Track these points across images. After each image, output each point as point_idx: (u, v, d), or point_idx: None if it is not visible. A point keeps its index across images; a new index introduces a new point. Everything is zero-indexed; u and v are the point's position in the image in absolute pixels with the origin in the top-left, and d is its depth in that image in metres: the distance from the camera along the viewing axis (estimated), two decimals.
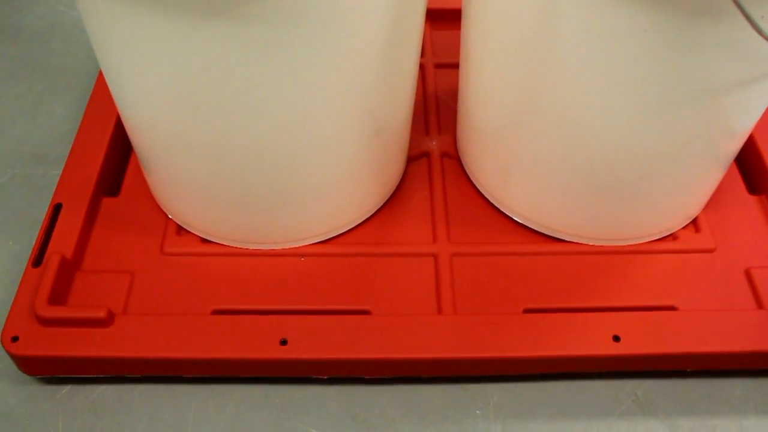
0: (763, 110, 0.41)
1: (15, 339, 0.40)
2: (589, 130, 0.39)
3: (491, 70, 0.42)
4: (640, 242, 0.46)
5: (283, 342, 0.40)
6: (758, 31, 0.32)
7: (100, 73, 0.54)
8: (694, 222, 0.47)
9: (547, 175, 0.43)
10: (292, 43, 0.33)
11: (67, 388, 0.42)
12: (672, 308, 0.43)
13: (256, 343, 0.40)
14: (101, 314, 0.40)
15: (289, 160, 0.40)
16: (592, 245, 0.46)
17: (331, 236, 0.46)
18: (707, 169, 0.43)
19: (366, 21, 0.35)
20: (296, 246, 0.45)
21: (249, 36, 0.33)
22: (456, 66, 0.50)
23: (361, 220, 0.47)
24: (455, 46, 0.49)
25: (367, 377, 0.42)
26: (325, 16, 0.33)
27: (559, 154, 0.41)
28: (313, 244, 0.46)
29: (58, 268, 0.42)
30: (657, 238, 0.46)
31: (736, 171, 0.51)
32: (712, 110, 0.38)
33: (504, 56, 0.40)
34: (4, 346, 0.40)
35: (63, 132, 0.56)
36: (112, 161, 0.50)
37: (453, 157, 0.51)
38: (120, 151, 0.51)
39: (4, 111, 0.58)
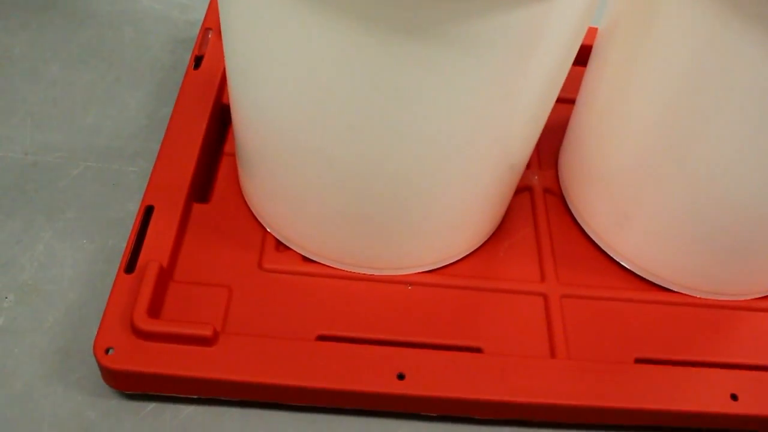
0: None
1: (109, 351, 0.38)
2: (724, 187, 0.38)
3: (626, 112, 0.41)
4: (751, 298, 0.45)
5: (401, 376, 0.38)
6: None
7: (188, 71, 0.52)
8: None
9: (669, 226, 0.42)
10: (471, 69, 0.32)
11: (151, 406, 0.40)
12: None
13: (370, 375, 0.38)
14: (207, 332, 0.38)
15: (416, 186, 0.38)
16: (702, 298, 0.45)
17: (437, 267, 0.44)
18: None
19: (543, 56, 0.34)
20: (402, 273, 0.44)
21: (429, 56, 0.31)
22: (559, 101, 0.48)
23: (467, 253, 0.45)
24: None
25: (474, 416, 0.40)
26: (514, 45, 0.31)
27: (687, 207, 0.41)
28: (418, 272, 0.44)
29: (156, 277, 0.40)
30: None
31: None
32: None
33: (648, 101, 0.39)
34: (96, 358, 0.38)
35: (138, 127, 0.53)
36: (203, 165, 0.47)
37: (555, 194, 0.49)
38: (210, 156, 0.48)
39: (75, 97, 0.54)
